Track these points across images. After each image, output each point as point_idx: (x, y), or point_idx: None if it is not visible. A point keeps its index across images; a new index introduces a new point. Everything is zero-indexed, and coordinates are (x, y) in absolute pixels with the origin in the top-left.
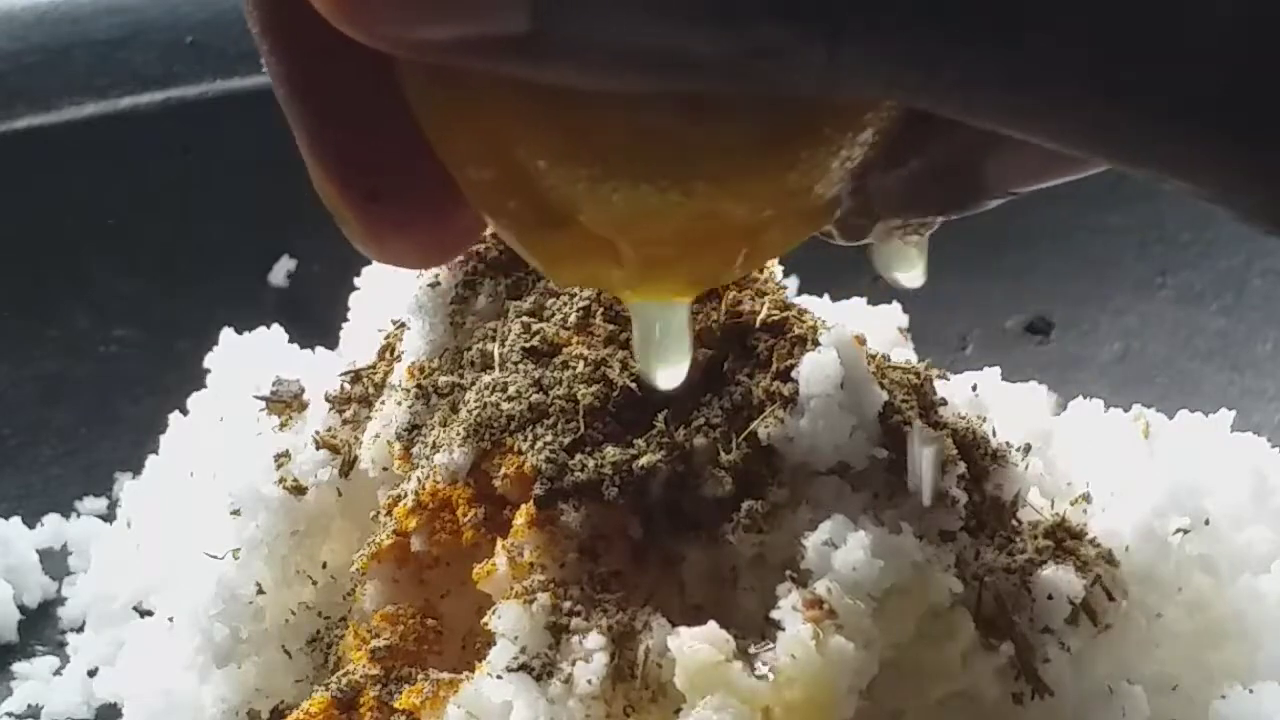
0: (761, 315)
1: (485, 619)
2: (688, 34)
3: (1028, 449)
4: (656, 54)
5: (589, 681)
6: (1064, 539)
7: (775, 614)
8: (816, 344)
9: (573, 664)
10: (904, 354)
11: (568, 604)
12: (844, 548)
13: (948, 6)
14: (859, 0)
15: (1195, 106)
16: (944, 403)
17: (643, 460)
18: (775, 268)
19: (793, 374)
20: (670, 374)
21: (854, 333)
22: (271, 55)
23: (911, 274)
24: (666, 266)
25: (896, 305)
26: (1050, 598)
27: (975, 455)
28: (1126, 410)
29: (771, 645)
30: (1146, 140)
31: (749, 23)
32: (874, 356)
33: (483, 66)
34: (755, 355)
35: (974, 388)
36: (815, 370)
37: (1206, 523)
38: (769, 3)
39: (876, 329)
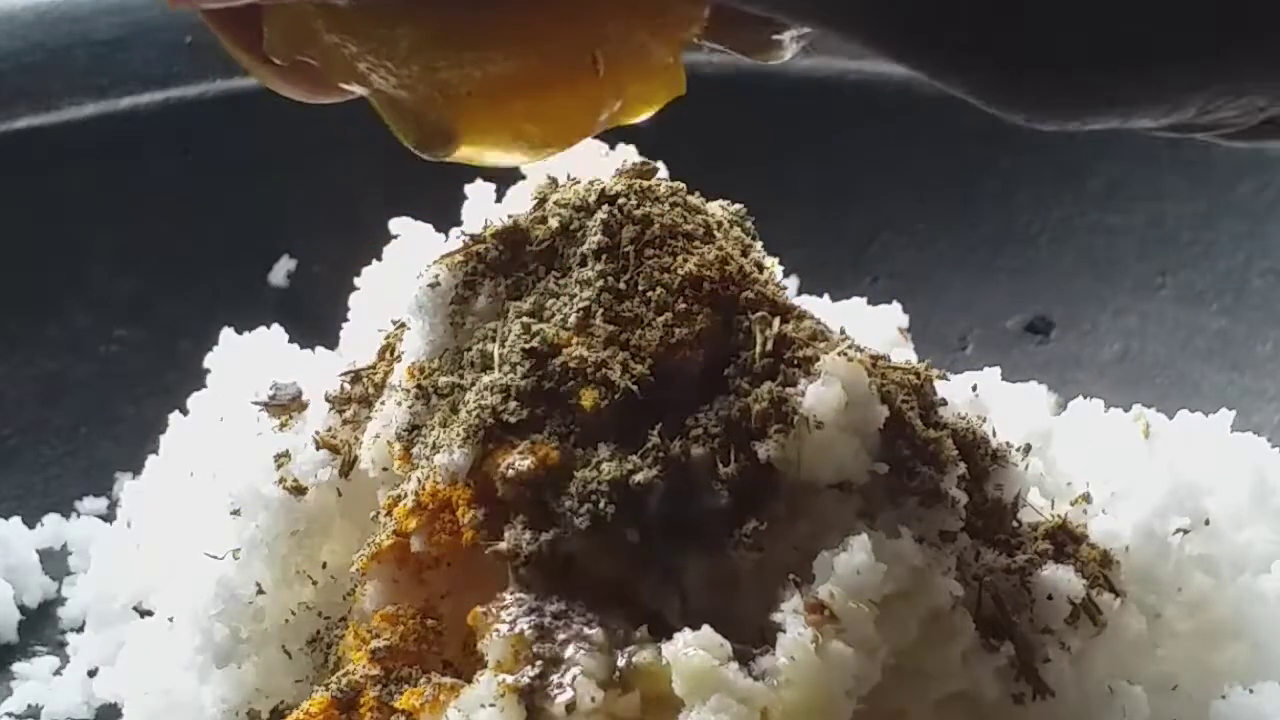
0: (771, 332)
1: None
2: None
3: (1028, 449)
4: None
5: (591, 699)
6: (1064, 540)
7: (776, 617)
8: (819, 369)
9: (573, 678)
10: (904, 354)
11: (562, 620)
12: (846, 552)
13: None
14: None
15: None
16: (944, 403)
17: (639, 477)
18: (776, 268)
19: (796, 397)
20: None
21: (857, 355)
22: None
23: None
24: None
25: (896, 305)
26: (1050, 598)
27: (975, 455)
28: (1126, 410)
29: (770, 649)
30: None
31: None
32: (876, 359)
33: None
34: (753, 366)
35: (974, 388)
36: (820, 403)
37: (1206, 523)
38: None
39: (876, 329)
